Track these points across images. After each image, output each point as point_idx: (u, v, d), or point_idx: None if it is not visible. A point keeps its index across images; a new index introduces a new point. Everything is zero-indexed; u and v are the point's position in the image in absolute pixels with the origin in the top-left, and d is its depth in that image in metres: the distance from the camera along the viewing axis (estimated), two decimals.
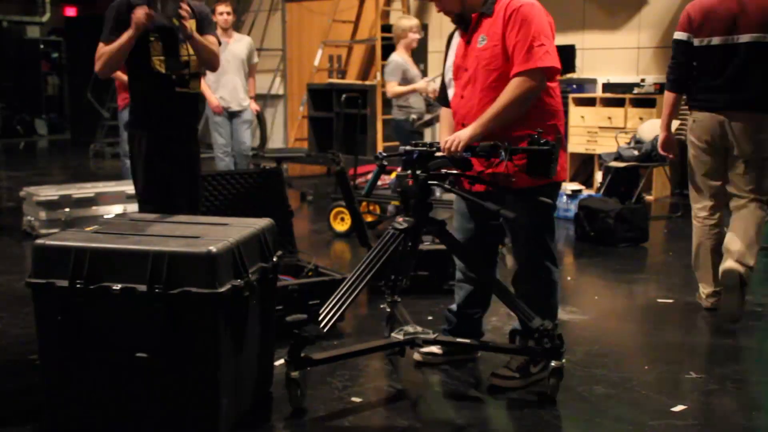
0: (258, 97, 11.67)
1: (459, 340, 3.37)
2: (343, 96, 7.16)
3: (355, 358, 3.35)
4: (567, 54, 8.51)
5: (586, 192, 6.92)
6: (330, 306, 3.01)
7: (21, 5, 14.95)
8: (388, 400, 3.11)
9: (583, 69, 8.93)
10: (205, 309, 2.57)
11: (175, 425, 2.64)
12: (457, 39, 3.32)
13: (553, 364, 3.07)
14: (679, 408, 3.02)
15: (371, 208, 6.42)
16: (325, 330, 2.95)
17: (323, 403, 3.04)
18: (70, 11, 15.09)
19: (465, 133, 3.06)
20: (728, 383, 3.23)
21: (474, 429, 2.87)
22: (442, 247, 4.61)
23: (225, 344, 2.64)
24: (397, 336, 3.26)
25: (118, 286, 2.61)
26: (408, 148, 3.15)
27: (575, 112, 8.20)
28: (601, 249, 5.73)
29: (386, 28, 9.92)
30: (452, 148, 3.05)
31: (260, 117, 8.49)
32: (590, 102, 8.19)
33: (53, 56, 15.62)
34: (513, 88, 3.02)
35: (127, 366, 2.63)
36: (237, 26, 12.13)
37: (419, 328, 3.30)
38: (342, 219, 6.19)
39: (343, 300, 3.02)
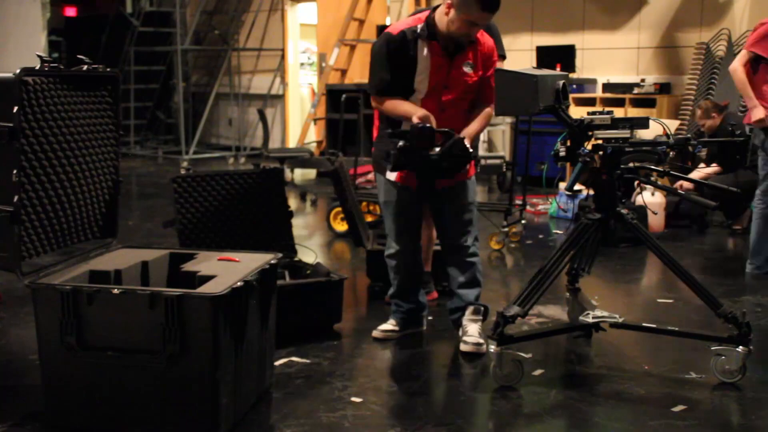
0: (258, 97, 11.74)
1: (644, 324, 3.62)
2: (343, 96, 7.14)
3: (546, 337, 3.65)
4: (567, 54, 8.53)
5: (585, 192, 6.91)
6: (527, 291, 3.24)
7: None
8: (388, 400, 3.11)
9: (583, 69, 8.93)
10: (205, 309, 2.57)
11: (175, 425, 2.64)
12: None
13: (739, 349, 3.17)
14: (679, 408, 3.02)
15: (371, 208, 6.42)
16: (526, 312, 3.20)
17: (323, 403, 3.05)
18: (70, 11, 15.08)
19: None
20: (728, 383, 3.23)
21: (473, 428, 2.87)
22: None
23: (225, 344, 2.64)
24: (586, 319, 3.49)
25: (118, 288, 2.62)
26: (600, 143, 3.33)
27: (575, 113, 8.16)
28: (601, 249, 5.68)
29: None
30: None
31: (263, 117, 8.49)
32: (590, 102, 8.19)
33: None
34: None
35: (126, 366, 2.63)
36: (237, 26, 12.17)
37: (606, 312, 3.51)
38: (342, 219, 6.19)
39: (538, 285, 3.25)
